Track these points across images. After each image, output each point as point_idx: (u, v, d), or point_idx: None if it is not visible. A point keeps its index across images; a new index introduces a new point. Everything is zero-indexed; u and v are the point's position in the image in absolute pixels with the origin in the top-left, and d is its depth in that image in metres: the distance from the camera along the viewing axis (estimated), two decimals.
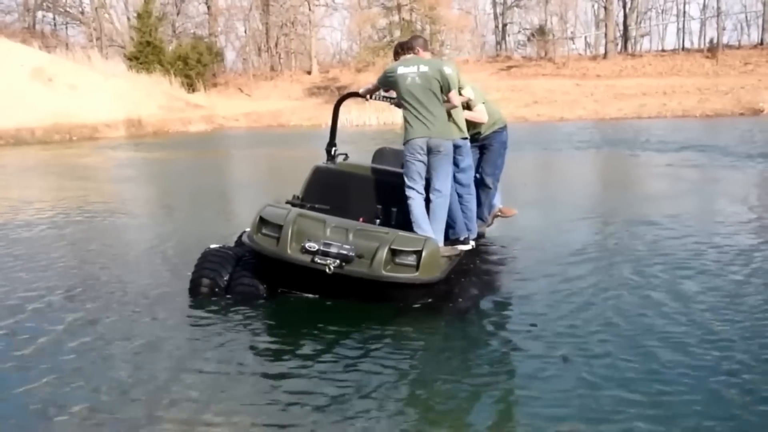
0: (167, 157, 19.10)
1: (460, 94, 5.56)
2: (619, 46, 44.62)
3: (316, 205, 5.61)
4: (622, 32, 46.09)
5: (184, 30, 50.72)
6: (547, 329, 4.57)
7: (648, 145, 17.50)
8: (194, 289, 5.28)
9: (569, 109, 30.40)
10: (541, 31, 43.94)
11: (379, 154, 6.65)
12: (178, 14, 51.46)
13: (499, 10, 49.46)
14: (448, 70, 5.33)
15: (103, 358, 4.21)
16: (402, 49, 5.61)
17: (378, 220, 5.56)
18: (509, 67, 41.17)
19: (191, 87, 38.60)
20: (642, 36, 51.44)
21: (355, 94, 6.18)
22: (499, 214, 6.74)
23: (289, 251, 4.89)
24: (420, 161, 5.28)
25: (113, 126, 26.61)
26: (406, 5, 34.30)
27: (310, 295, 5.19)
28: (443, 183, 5.32)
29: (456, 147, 5.41)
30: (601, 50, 43.71)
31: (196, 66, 40.40)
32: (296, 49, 50.35)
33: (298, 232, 4.95)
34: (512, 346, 4.37)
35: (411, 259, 4.83)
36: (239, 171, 16.26)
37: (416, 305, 5.02)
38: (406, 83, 5.26)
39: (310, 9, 45.78)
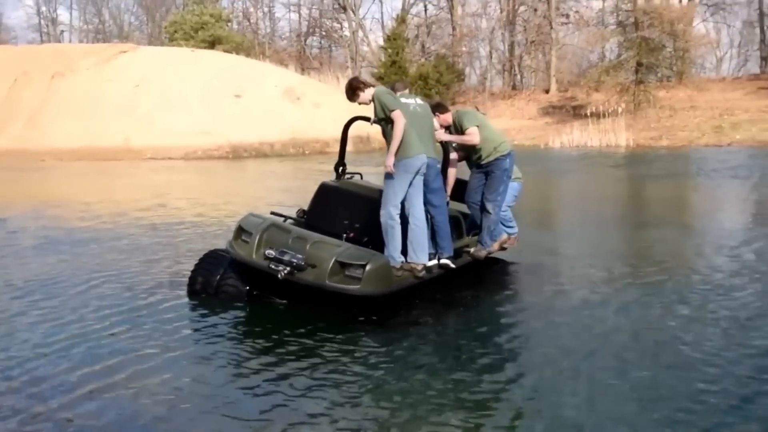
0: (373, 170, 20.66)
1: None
2: None
3: (300, 218, 6.21)
4: None
5: (433, 51, 53.32)
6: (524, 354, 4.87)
7: None
8: (189, 287, 5.99)
9: None
10: None
11: None
12: (428, 35, 54.37)
13: (767, 22, 44.76)
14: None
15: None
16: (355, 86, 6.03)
17: (365, 238, 5.83)
18: None
19: None
20: None
21: (362, 118, 6.65)
22: (506, 243, 6.81)
23: (253, 256, 5.45)
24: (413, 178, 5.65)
25: None
26: (644, 21, 32.67)
27: (279, 300, 5.73)
28: (420, 202, 5.74)
29: (428, 167, 5.74)
30: None
31: (435, 85, 42.31)
32: (537, 68, 50.26)
33: (265, 240, 5.49)
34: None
35: (358, 272, 5.18)
36: None
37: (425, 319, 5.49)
38: (409, 110, 5.83)
39: (551, 27, 45.47)
